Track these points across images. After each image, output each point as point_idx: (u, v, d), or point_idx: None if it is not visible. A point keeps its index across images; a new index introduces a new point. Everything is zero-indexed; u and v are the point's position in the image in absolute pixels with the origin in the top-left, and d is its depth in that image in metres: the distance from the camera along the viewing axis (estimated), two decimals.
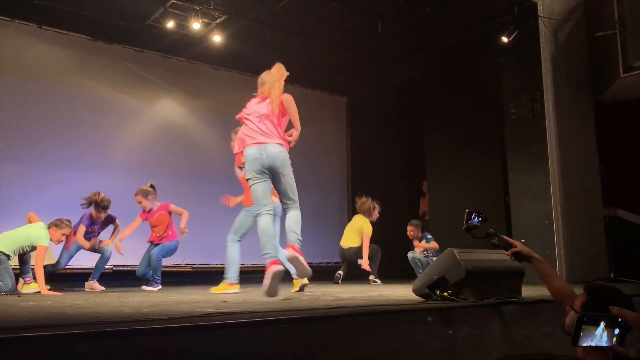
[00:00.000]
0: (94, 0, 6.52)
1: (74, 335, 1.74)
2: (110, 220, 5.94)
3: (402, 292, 4.32)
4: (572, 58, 6.54)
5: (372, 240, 6.95)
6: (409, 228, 7.10)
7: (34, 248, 5.10)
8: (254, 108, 4.19)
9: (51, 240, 5.21)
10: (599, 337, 1.49)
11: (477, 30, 7.11)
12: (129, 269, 6.46)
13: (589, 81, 6.68)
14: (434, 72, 8.03)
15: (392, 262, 7.22)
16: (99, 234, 5.90)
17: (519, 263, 2.66)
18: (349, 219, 9.30)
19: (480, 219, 2.75)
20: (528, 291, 3.64)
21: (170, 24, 6.89)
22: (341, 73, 9.04)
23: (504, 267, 3.20)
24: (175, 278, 5.89)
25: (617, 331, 1.50)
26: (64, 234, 5.35)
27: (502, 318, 2.89)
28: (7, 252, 4.98)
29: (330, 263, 8.71)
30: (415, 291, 3.30)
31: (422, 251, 6.96)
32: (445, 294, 3.07)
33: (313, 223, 7.07)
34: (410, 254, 6.97)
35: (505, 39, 6.65)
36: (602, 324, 1.51)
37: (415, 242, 7.12)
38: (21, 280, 5.28)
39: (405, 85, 8.66)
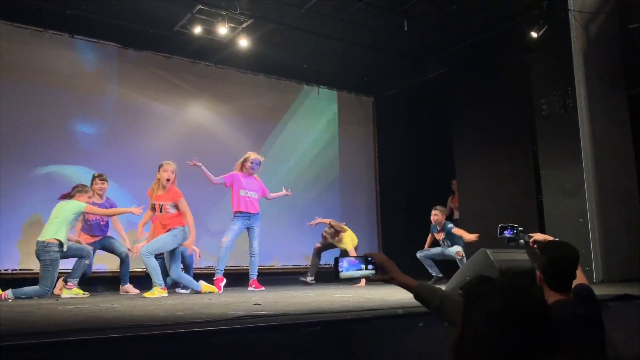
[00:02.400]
0: (123, 8, 6.66)
1: (112, 340, 1.78)
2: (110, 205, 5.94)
3: None
4: (605, 51, 6.38)
5: (403, 240, 6.93)
6: (433, 212, 6.93)
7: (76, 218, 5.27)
8: None
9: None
10: (349, 266, 1.84)
11: (505, 26, 7.00)
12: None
13: (622, 75, 6.51)
14: (462, 69, 7.94)
15: (420, 261, 7.15)
16: (104, 223, 5.91)
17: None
18: (378, 219, 9.31)
19: (514, 231, 2.85)
20: None
21: (198, 30, 6.98)
22: (368, 73, 9.01)
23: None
24: (205, 280, 5.94)
25: (362, 264, 1.86)
26: (90, 197, 5.44)
27: None
28: (60, 238, 5.00)
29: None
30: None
31: (441, 239, 6.88)
32: None
33: (341, 223, 7.07)
34: (419, 254, 6.90)
35: (534, 34, 6.53)
36: (353, 260, 1.87)
37: (436, 235, 7.02)
38: (60, 282, 5.39)
39: (433, 84, 8.58)
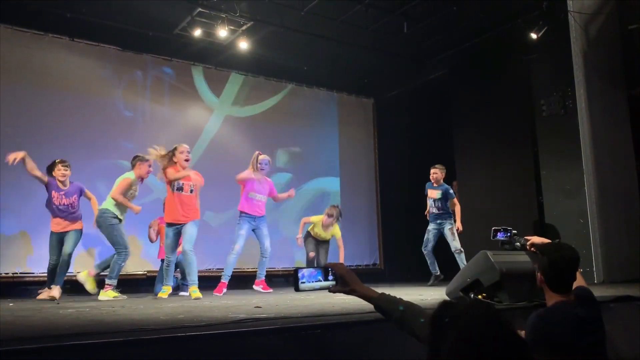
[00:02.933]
0: (123, 12, 6.67)
1: (113, 344, 1.78)
2: (79, 190, 5.61)
3: (436, 295, 4.27)
4: (604, 52, 6.38)
5: (404, 241, 6.90)
6: (433, 170, 6.46)
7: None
8: None
9: (140, 175, 5.45)
10: (309, 277, 1.82)
11: (505, 27, 7.00)
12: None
13: (622, 75, 6.51)
14: (462, 70, 7.94)
15: (423, 264, 7.15)
16: (71, 206, 5.49)
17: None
18: (378, 220, 9.30)
19: (508, 234, 2.84)
20: None
21: (198, 33, 6.99)
22: (368, 75, 9.02)
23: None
24: (207, 283, 5.93)
25: (330, 275, 1.84)
26: (150, 165, 5.48)
27: None
28: (109, 207, 5.24)
29: (360, 265, 8.69)
30: (448, 294, 3.26)
31: (435, 197, 6.38)
32: (480, 296, 3.02)
33: (342, 225, 7.06)
34: (424, 249, 6.47)
35: (534, 36, 6.54)
36: (309, 270, 1.84)
37: (430, 192, 6.51)
38: (49, 290, 5.28)
39: (433, 85, 8.59)
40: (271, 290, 5.87)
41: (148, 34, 7.17)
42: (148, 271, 6.82)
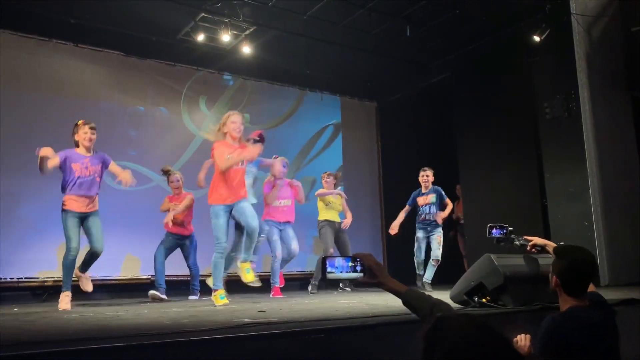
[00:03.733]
0: (127, 17, 6.69)
1: (117, 348, 1.78)
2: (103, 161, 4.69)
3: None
4: (608, 54, 6.37)
5: (408, 245, 6.87)
6: (424, 173, 6.51)
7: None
8: None
9: None
10: (338, 268, 1.78)
11: (507, 30, 7.00)
12: (170, 278, 6.56)
13: (625, 77, 6.50)
14: (465, 74, 7.94)
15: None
16: (96, 177, 4.59)
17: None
18: (382, 223, 9.28)
19: (504, 231, 2.82)
20: None
21: (201, 37, 7.01)
22: (371, 79, 9.03)
23: (543, 271, 3.13)
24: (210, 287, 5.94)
25: (358, 266, 1.79)
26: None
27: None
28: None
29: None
30: (452, 298, 3.25)
31: (426, 203, 6.33)
32: (484, 300, 3.02)
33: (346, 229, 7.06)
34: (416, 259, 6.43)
35: (537, 38, 6.53)
36: (338, 259, 1.80)
37: (419, 199, 6.48)
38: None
39: (436, 88, 8.58)
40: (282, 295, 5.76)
41: (151, 39, 7.19)
42: (152, 275, 6.81)
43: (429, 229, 6.34)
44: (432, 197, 6.36)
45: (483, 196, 7.42)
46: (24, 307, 4.72)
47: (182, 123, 7.78)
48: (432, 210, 6.34)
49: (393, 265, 9.01)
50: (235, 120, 4.55)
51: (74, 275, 4.56)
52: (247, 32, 7.00)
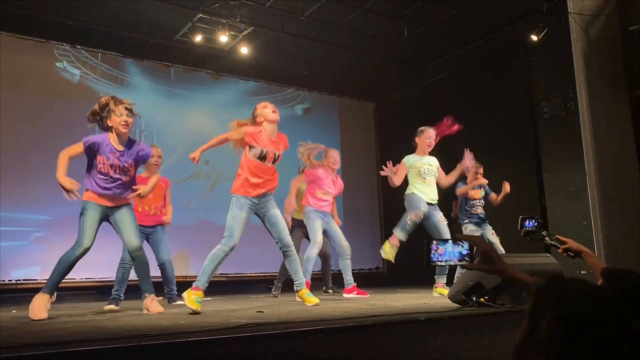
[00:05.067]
0: (124, 19, 6.70)
1: (114, 350, 1.78)
2: (140, 154, 3.95)
3: (440, 300, 4.27)
4: (606, 53, 6.37)
5: (407, 246, 6.83)
6: (480, 170, 6.01)
7: None
8: None
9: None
10: (447, 255, 1.67)
11: (505, 29, 7.01)
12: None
13: (623, 77, 6.50)
14: (463, 73, 7.94)
15: (425, 269, 7.14)
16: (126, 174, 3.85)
17: (558, 265, 2.67)
18: (381, 224, 9.28)
19: (535, 223, 2.71)
20: None
21: (198, 38, 7.02)
22: (368, 79, 9.03)
23: (541, 270, 3.12)
24: (209, 288, 5.90)
25: (459, 250, 1.67)
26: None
27: None
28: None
29: (363, 269, 8.67)
30: (451, 298, 3.25)
31: (479, 197, 5.93)
32: (482, 299, 3.01)
33: (344, 230, 7.04)
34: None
35: (534, 38, 6.54)
36: (448, 244, 1.69)
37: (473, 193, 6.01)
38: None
39: (434, 88, 8.59)
40: (368, 295, 5.27)
41: (149, 41, 7.19)
42: (152, 276, 6.78)
43: (483, 225, 6.01)
44: (481, 192, 6.16)
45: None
46: (22, 310, 4.71)
47: (180, 124, 7.77)
48: (481, 204, 6.09)
49: (392, 265, 9.01)
50: (267, 105, 4.31)
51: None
52: (245, 32, 7.01)
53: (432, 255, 1.65)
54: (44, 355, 1.67)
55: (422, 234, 6.66)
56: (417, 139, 5.61)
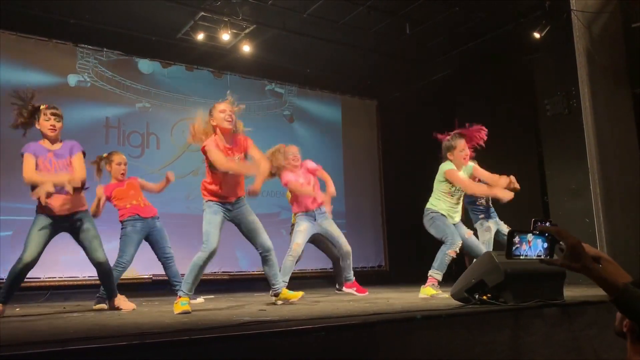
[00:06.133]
0: (126, 17, 6.70)
1: (117, 348, 1.78)
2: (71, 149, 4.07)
3: (445, 297, 4.26)
4: (608, 51, 6.35)
5: (409, 244, 6.84)
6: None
7: None
8: None
9: None
10: (527, 249, 1.62)
11: (508, 27, 7.00)
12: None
13: (626, 74, 6.48)
14: (465, 71, 7.93)
15: (425, 267, 7.14)
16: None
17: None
18: (383, 222, 9.28)
19: (548, 225, 2.67)
20: (570, 292, 3.55)
21: (201, 37, 7.02)
22: (371, 77, 9.02)
23: (544, 268, 3.11)
24: (212, 286, 5.94)
25: (544, 244, 1.63)
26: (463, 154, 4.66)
27: (544, 321, 2.82)
28: (431, 207, 4.69)
29: (365, 267, 8.68)
30: (453, 295, 3.25)
31: (488, 207, 5.46)
32: (485, 297, 3.01)
33: (347, 228, 7.06)
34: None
35: (537, 35, 6.53)
36: (531, 238, 1.63)
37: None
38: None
39: (436, 86, 8.58)
40: (367, 292, 5.17)
41: (151, 39, 7.20)
42: (154, 275, 6.81)
43: (495, 218, 5.69)
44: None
45: None
46: (25, 307, 4.73)
47: (181, 122, 7.77)
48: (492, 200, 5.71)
49: (394, 263, 9.02)
50: (223, 109, 3.90)
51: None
52: (247, 30, 7.01)
53: (514, 248, 1.59)
54: (47, 353, 1.68)
55: (424, 233, 6.68)
56: (449, 155, 4.72)
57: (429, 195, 6.50)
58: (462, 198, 4.73)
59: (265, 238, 3.91)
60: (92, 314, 3.60)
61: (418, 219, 7.70)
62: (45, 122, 3.95)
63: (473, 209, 5.69)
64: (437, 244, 5.27)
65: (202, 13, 6.61)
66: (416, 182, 8.71)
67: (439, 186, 4.72)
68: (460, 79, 8.06)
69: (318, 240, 5.48)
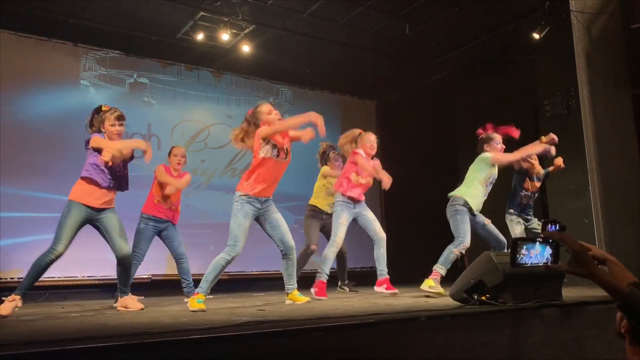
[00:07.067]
0: (126, 17, 6.70)
1: (116, 347, 1.78)
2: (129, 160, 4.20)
3: (442, 298, 4.27)
4: (608, 52, 6.36)
5: (409, 245, 6.82)
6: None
7: None
8: None
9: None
10: (534, 257, 1.62)
11: (507, 28, 7.00)
12: (167, 278, 6.53)
13: (626, 75, 6.49)
14: (465, 72, 7.93)
15: (428, 265, 7.14)
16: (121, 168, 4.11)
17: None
18: (382, 222, 9.22)
19: (557, 227, 2.66)
20: (569, 293, 3.55)
21: (200, 36, 7.02)
22: (370, 77, 9.02)
23: (543, 269, 3.12)
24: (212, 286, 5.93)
25: (549, 250, 1.63)
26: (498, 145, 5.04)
27: (543, 321, 2.82)
28: (461, 194, 4.86)
29: (365, 267, 8.67)
30: (452, 296, 3.25)
31: (537, 188, 5.62)
32: (484, 298, 3.01)
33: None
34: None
35: (536, 36, 6.53)
36: (536, 245, 1.63)
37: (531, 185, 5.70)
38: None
39: (436, 87, 8.58)
40: (396, 290, 4.90)
41: (151, 39, 7.20)
42: (153, 275, 6.81)
43: (527, 216, 5.77)
44: (539, 184, 5.86)
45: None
46: (23, 307, 4.72)
47: (182, 122, 7.78)
48: (532, 197, 5.82)
49: (393, 263, 9.00)
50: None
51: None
52: (247, 30, 7.01)
53: (517, 257, 1.59)
54: (45, 353, 1.68)
55: (427, 234, 6.68)
56: (486, 146, 5.05)
57: (429, 195, 6.51)
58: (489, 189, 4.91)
59: (289, 237, 4.04)
60: (91, 314, 3.60)
61: (417, 219, 7.75)
62: (112, 128, 4.04)
63: (510, 204, 5.84)
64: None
65: (202, 13, 6.61)
66: (416, 182, 8.72)
67: (476, 175, 4.90)
68: (459, 80, 8.05)
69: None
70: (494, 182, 4.93)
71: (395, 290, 4.83)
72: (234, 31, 6.97)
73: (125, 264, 4.05)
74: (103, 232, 4.00)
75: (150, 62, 7.57)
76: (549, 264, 1.59)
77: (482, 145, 5.12)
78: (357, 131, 5.24)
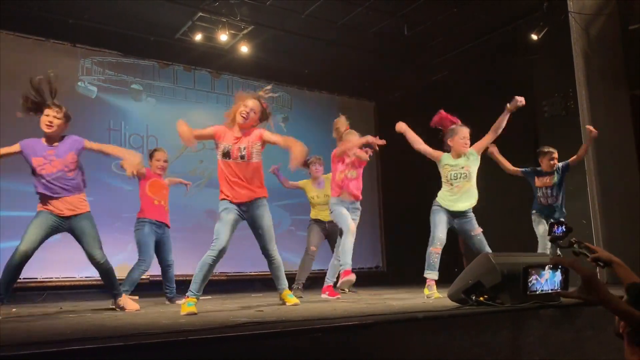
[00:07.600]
0: (125, 17, 6.69)
1: (113, 348, 1.78)
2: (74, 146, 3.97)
3: (441, 298, 4.27)
4: (606, 53, 6.38)
5: (407, 245, 6.82)
6: (553, 155, 5.47)
7: None
8: None
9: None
10: (544, 283, 1.55)
11: (505, 28, 7.02)
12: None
13: (623, 76, 6.51)
14: (463, 72, 7.94)
15: (423, 266, 7.14)
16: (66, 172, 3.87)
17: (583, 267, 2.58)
18: (381, 223, 9.27)
19: (564, 229, 2.65)
20: None
21: (199, 37, 7.02)
22: (369, 78, 9.03)
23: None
24: (209, 287, 5.89)
25: (560, 276, 1.56)
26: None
27: (541, 322, 2.82)
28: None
29: (363, 268, 8.67)
30: (450, 297, 3.25)
31: (550, 183, 5.44)
32: (482, 298, 3.01)
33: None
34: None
35: (535, 37, 6.55)
36: (546, 272, 1.58)
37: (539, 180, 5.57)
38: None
39: (434, 87, 8.58)
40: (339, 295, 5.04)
41: (149, 39, 7.19)
42: (151, 276, 6.79)
43: (547, 214, 5.54)
44: (553, 178, 5.54)
45: (481, 194, 7.39)
46: (22, 308, 4.72)
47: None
48: (549, 193, 5.54)
49: (392, 264, 9.02)
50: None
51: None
52: (245, 31, 7.01)
53: (530, 285, 1.55)
54: (44, 354, 1.67)
55: (425, 235, 6.67)
56: (449, 141, 5.09)
57: (427, 196, 6.52)
58: (463, 187, 4.88)
59: (270, 246, 4.05)
60: (89, 315, 3.59)
61: (416, 219, 7.72)
62: (44, 118, 3.90)
63: (533, 205, 5.78)
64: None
65: (200, 13, 6.61)
66: (414, 183, 8.73)
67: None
68: (458, 80, 8.06)
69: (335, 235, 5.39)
70: (459, 178, 4.88)
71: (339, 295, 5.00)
72: (233, 32, 6.97)
73: (100, 269, 3.94)
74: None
75: (148, 62, 7.57)
76: (560, 290, 1.55)
77: (444, 139, 5.23)
78: (343, 127, 5.34)
